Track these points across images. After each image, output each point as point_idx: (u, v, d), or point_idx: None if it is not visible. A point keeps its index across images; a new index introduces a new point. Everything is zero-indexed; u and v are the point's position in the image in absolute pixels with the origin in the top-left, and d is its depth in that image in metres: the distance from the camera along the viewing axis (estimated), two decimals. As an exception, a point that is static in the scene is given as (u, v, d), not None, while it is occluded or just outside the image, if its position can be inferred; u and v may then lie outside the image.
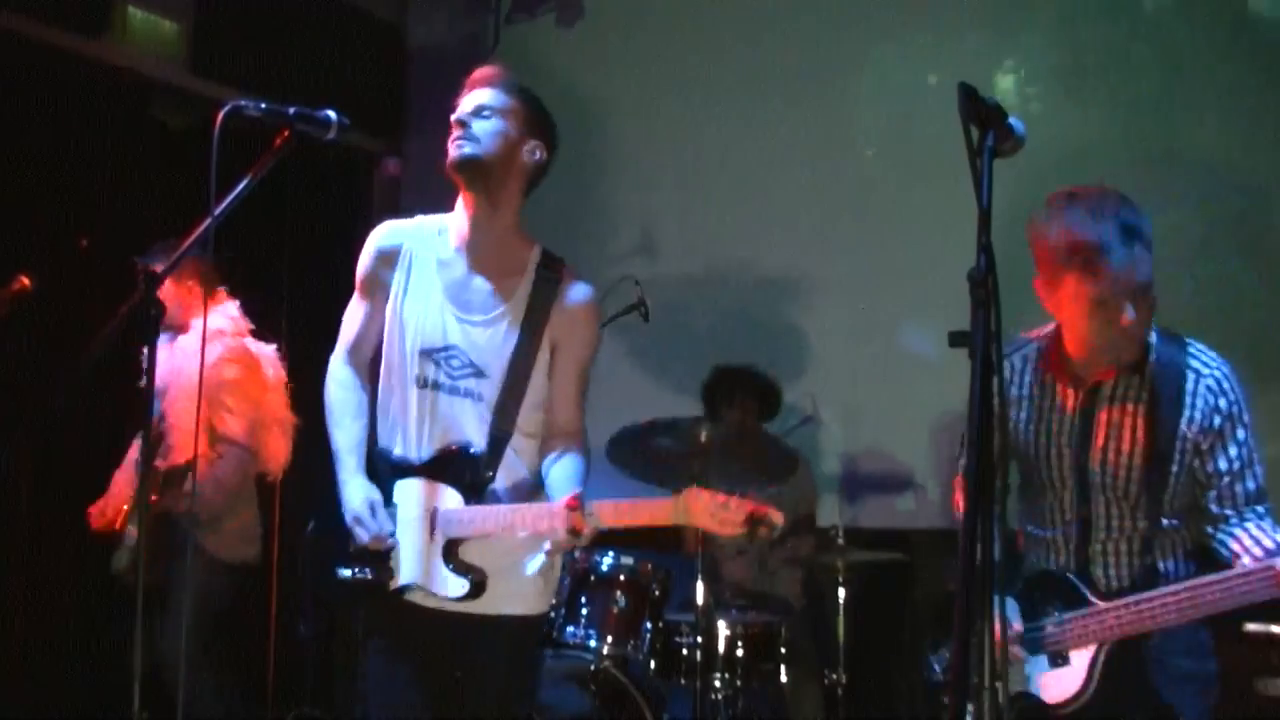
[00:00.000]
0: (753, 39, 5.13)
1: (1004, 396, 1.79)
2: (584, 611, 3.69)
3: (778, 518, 2.16)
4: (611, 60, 5.59)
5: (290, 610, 4.92)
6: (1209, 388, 2.27)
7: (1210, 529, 2.30)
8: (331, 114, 2.33)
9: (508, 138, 2.43)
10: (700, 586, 3.60)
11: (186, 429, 3.53)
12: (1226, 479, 2.27)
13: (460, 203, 2.50)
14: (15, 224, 4.33)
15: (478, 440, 2.39)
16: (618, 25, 5.60)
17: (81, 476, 4.02)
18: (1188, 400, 2.27)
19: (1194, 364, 2.30)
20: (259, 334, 3.94)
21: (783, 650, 3.81)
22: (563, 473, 2.42)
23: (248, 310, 4.00)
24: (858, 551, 3.92)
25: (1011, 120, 1.77)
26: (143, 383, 3.44)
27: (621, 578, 3.72)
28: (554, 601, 2.61)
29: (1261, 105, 4.08)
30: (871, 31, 4.86)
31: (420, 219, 2.56)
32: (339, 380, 2.57)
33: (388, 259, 2.51)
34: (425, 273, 2.47)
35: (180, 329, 3.80)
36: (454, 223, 2.51)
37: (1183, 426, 2.27)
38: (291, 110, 2.27)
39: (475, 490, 2.38)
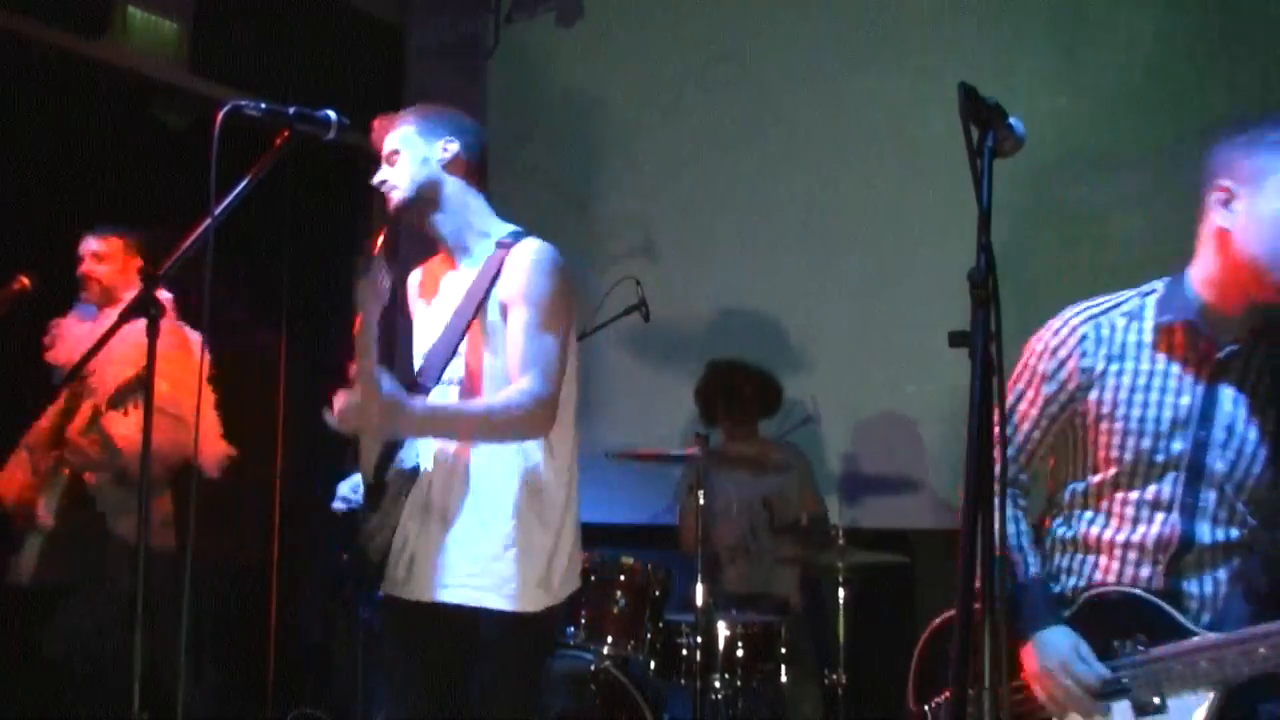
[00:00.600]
0: (753, 38, 5.13)
1: (1004, 397, 1.74)
2: (584, 611, 3.69)
3: None
4: (611, 60, 5.59)
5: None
6: None
7: None
8: (331, 114, 2.33)
9: (421, 158, 2.51)
10: (700, 586, 3.60)
11: (111, 392, 3.51)
12: None
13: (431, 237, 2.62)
14: (15, 224, 4.32)
15: None
16: (618, 25, 5.60)
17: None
18: None
19: None
20: (186, 320, 3.87)
21: (783, 650, 3.81)
22: None
23: (248, 310, 4.00)
24: (858, 552, 3.92)
25: (1011, 120, 1.77)
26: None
27: (621, 578, 3.72)
28: (553, 603, 2.49)
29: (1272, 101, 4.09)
30: (872, 31, 4.86)
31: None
32: None
33: (414, 297, 2.73)
34: (427, 292, 2.67)
35: (113, 302, 3.76)
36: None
37: None
38: (291, 110, 2.27)
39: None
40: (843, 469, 4.71)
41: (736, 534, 4.43)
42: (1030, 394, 2.15)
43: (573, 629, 3.67)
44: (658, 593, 3.73)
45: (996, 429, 1.63)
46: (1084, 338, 2.09)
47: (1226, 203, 1.95)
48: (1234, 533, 1.96)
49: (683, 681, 3.70)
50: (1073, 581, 2.09)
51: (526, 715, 2.47)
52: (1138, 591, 1.97)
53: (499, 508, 2.43)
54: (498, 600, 2.40)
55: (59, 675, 3.59)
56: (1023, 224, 4.05)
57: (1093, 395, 2.07)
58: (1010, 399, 2.14)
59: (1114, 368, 2.06)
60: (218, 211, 2.15)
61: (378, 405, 2.22)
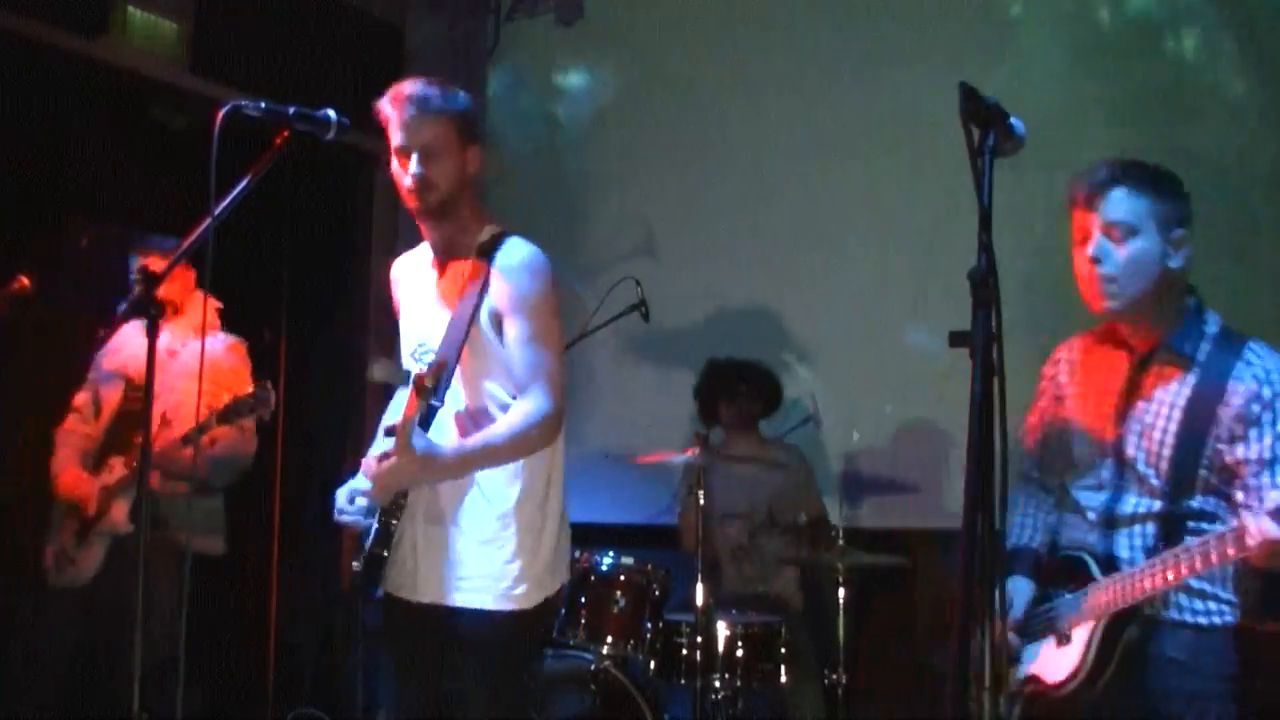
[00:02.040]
0: (753, 39, 5.13)
1: (1004, 396, 1.76)
2: (584, 611, 3.69)
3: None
4: (611, 60, 5.59)
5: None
6: (1256, 377, 2.20)
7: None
8: (331, 114, 2.33)
9: (459, 166, 2.47)
10: (700, 586, 3.60)
11: (187, 407, 3.50)
12: (1254, 468, 2.17)
13: (424, 231, 2.58)
14: (15, 224, 4.32)
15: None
16: (618, 25, 5.60)
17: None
18: (1230, 384, 2.20)
19: (1249, 355, 2.24)
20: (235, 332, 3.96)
21: (783, 650, 3.81)
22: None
23: (247, 309, 4.02)
24: (858, 552, 3.92)
25: (1012, 120, 1.77)
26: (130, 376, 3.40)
27: (621, 578, 3.72)
28: (544, 599, 2.51)
29: (1251, 105, 4.09)
30: (872, 31, 4.86)
31: (423, 244, 2.66)
32: (392, 402, 2.76)
33: (396, 291, 2.71)
34: (411, 288, 2.64)
35: (179, 311, 3.82)
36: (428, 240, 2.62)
37: (1220, 408, 2.20)
38: (291, 110, 2.27)
39: None
40: (843, 469, 4.71)
41: (737, 534, 4.43)
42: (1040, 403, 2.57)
43: (573, 629, 3.66)
44: (658, 593, 3.73)
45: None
46: (1058, 361, 2.53)
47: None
48: (1154, 504, 2.28)
49: (683, 681, 3.70)
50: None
51: (524, 708, 2.52)
52: (1073, 553, 2.40)
53: (495, 508, 2.46)
54: (497, 600, 2.42)
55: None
56: (1024, 225, 4.05)
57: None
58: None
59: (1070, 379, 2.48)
60: (218, 211, 2.15)
61: (413, 462, 2.26)
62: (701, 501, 3.73)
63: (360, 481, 2.53)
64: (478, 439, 2.39)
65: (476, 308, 2.43)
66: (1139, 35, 4.37)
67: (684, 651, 3.70)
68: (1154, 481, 2.27)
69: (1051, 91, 4.35)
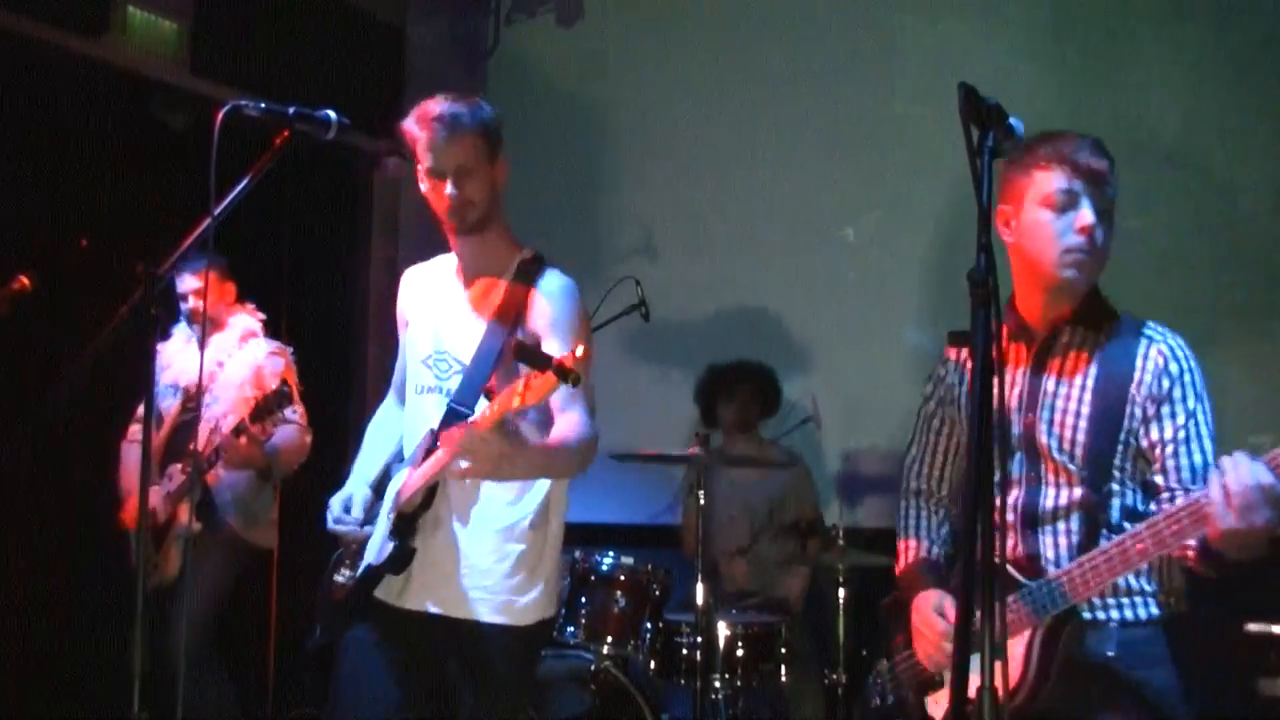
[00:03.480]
0: (753, 38, 5.13)
1: (1003, 394, 1.76)
2: (584, 611, 3.69)
3: (568, 360, 1.94)
4: (611, 60, 5.59)
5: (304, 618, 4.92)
6: (1160, 352, 2.13)
7: (1153, 507, 2.08)
8: (331, 114, 2.33)
9: (490, 183, 2.49)
10: (700, 586, 3.60)
11: (239, 413, 3.63)
12: (1170, 448, 2.09)
13: (452, 239, 2.56)
14: (15, 224, 4.32)
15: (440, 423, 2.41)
16: (618, 25, 5.60)
17: (84, 474, 4.05)
18: (1138, 363, 2.13)
19: (1148, 332, 2.18)
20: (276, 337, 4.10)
21: (783, 650, 3.81)
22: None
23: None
24: (857, 552, 3.91)
25: (1011, 120, 1.77)
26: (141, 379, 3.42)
27: (621, 578, 3.72)
28: (547, 616, 2.50)
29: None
30: (872, 30, 4.86)
31: (440, 257, 2.66)
32: (378, 414, 2.75)
33: (408, 297, 2.67)
34: (429, 296, 2.60)
35: (216, 325, 4.00)
36: (454, 252, 2.60)
37: (1131, 389, 2.12)
38: (291, 110, 2.26)
39: None
40: (843, 469, 4.71)
41: (738, 534, 4.43)
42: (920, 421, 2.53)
43: (573, 629, 3.67)
44: (658, 593, 3.74)
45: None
46: (941, 363, 2.49)
47: (1007, 222, 2.23)
48: (1074, 493, 2.16)
49: (683, 681, 3.70)
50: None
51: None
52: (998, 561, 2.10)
53: (500, 523, 2.43)
54: (503, 615, 2.40)
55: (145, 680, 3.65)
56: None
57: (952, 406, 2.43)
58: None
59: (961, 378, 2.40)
60: (217, 211, 2.15)
61: (505, 440, 2.05)
62: (701, 502, 3.73)
63: (357, 488, 2.50)
64: (549, 446, 2.30)
65: (515, 327, 2.42)
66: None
67: (684, 651, 3.70)
68: (1072, 468, 2.14)
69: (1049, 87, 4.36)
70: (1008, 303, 2.28)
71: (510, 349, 2.05)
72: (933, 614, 2.23)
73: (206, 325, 3.90)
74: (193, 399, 3.82)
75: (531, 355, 1.93)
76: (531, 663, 2.58)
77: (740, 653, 3.73)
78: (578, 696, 3.76)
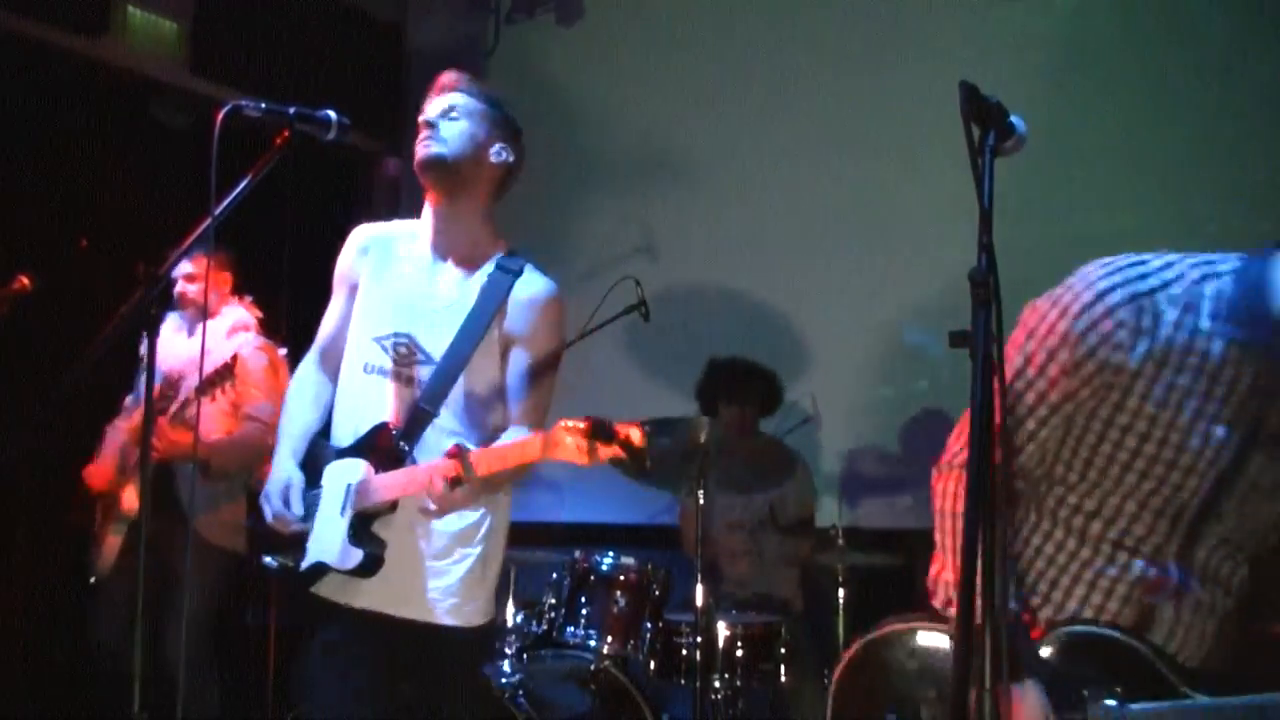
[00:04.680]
0: (753, 38, 5.13)
1: (1005, 396, 1.71)
2: (584, 611, 3.69)
3: (638, 439, 1.98)
4: (611, 60, 5.59)
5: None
6: None
7: None
8: (331, 114, 2.32)
9: (475, 139, 2.43)
10: (700, 586, 3.60)
11: (207, 405, 3.61)
12: None
13: (427, 204, 2.51)
14: (15, 224, 4.32)
15: (402, 420, 2.37)
16: (618, 25, 5.60)
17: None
18: None
19: None
20: (272, 337, 4.05)
21: (783, 650, 3.81)
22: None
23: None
24: (857, 552, 3.91)
25: (1013, 119, 1.76)
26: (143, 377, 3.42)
27: (621, 578, 3.72)
28: (485, 621, 2.47)
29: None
30: (873, 30, 4.86)
31: (398, 222, 2.59)
32: (300, 375, 2.61)
33: (359, 257, 2.55)
34: (390, 267, 2.50)
35: (210, 314, 3.95)
36: (424, 224, 2.52)
37: None
38: (291, 110, 2.26)
39: (390, 465, 2.33)
40: (843, 469, 4.70)
41: (738, 533, 4.43)
42: (1040, 385, 1.80)
43: (573, 629, 3.66)
44: (658, 593, 3.73)
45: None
46: (1120, 324, 1.70)
47: None
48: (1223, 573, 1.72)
49: (683, 681, 3.69)
50: (1043, 607, 1.85)
51: None
52: (1115, 634, 1.68)
53: (460, 525, 2.40)
54: (454, 617, 2.38)
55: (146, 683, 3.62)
56: (1024, 222, 4.05)
57: (1114, 398, 1.72)
58: (1014, 381, 1.82)
59: (1151, 372, 1.69)
60: (218, 211, 2.15)
61: (465, 499, 2.22)
62: (701, 501, 3.73)
63: (292, 473, 2.39)
64: (498, 467, 2.24)
65: (488, 326, 2.38)
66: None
67: (684, 651, 3.69)
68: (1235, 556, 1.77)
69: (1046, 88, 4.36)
70: (1263, 293, 1.60)
71: (591, 429, 2.03)
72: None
73: (205, 315, 3.88)
74: (173, 386, 3.71)
75: (605, 433, 1.97)
76: (479, 665, 2.57)
77: (740, 653, 3.72)
78: (578, 696, 3.75)
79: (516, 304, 2.41)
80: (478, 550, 2.42)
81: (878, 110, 4.80)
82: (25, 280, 3.78)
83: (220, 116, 2.14)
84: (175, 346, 3.87)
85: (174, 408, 3.62)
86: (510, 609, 3.75)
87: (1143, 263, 1.75)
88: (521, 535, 4.25)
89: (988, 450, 1.58)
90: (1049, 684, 1.65)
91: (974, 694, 1.45)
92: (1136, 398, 1.70)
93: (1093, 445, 1.79)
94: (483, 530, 2.45)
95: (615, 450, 1.98)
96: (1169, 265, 1.72)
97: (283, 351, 3.99)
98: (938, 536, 2.10)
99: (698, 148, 5.22)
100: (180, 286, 3.93)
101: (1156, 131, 4.19)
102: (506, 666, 3.58)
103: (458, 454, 2.16)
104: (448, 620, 2.38)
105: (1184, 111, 4.19)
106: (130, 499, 3.68)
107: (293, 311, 5.00)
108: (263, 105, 2.24)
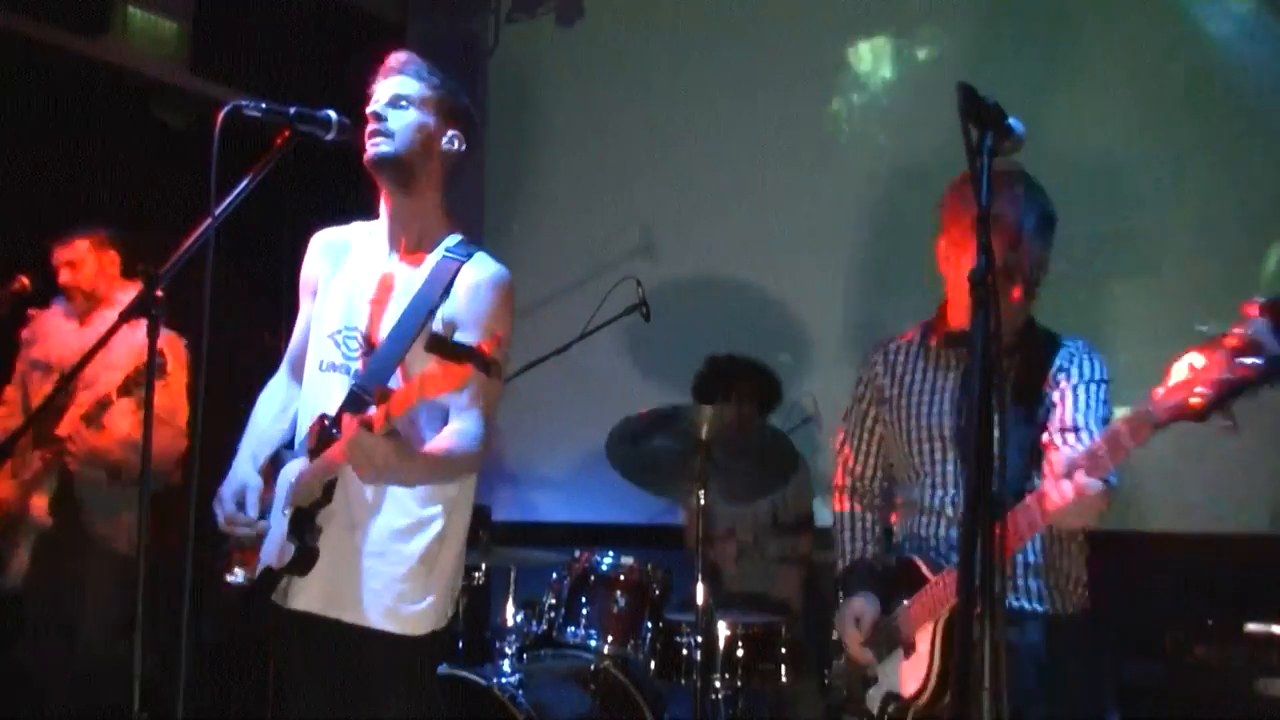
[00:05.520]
0: (753, 39, 5.13)
1: (1004, 396, 1.77)
2: (584, 611, 3.68)
3: (489, 349, 1.87)
4: (611, 60, 5.59)
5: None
6: (1071, 355, 2.39)
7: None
8: (332, 114, 2.33)
9: (425, 130, 2.37)
10: (700, 586, 3.60)
11: (122, 401, 3.46)
12: (1058, 439, 2.29)
13: (382, 200, 2.46)
14: (15, 224, 4.32)
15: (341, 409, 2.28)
16: (618, 25, 5.60)
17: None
18: (1051, 370, 2.37)
19: (1065, 345, 2.43)
20: (171, 323, 3.89)
21: (783, 650, 3.80)
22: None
23: (247, 309, 4.01)
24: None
25: (1011, 120, 1.77)
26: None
27: (621, 578, 3.72)
28: (438, 627, 2.36)
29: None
30: (873, 31, 4.86)
31: (357, 223, 2.55)
32: (271, 384, 2.58)
33: (318, 262, 2.52)
34: (344, 267, 2.46)
35: (98, 302, 3.76)
36: (380, 219, 2.48)
37: (1045, 389, 2.34)
38: (291, 110, 2.26)
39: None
40: (843, 469, 4.70)
41: (739, 533, 4.43)
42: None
43: (573, 629, 3.66)
44: (658, 593, 3.73)
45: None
46: (869, 365, 2.69)
47: (945, 258, 2.50)
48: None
49: (683, 681, 3.69)
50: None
51: None
52: (910, 556, 2.43)
53: (403, 523, 2.31)
54: (390, 622, 2.27)
55: (35, 681, 3.58)
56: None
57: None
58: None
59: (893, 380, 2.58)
60: (218, 211, 2.15)
61: (389, 450, 2.04)
62: (702, 501, 3.73)
63: (249, 477, 2.32)
64: (435, 449, 2.21)
65: (432, 310, 2.29)
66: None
67: (684, 651, 3.69)
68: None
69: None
70: (938, 317, 2.53)
71: (427, 342, 1.93)
72: (850, 625, 2.47)
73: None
74: (66, 379, 3.49)
75: (446, 348, 1.86)
76: (422, 674, 2.38)
77: (740, 653, 3.72)
78: (578, 696, 3.76)
79: (462, 288, 2.32)
80: (420, 549, 2.30)
81: (878, 110, 4.80)
82: (25, 280, 3.78)
83: (220, 116, 2.13)
84: (65, 338, 3.70)
85: (90, 408, 3.45)
86: (510, 609, 3.75)
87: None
88: (521, 535, 4.29)
89: (988, 449, 1.59)
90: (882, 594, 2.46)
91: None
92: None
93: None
94: (431, 531, 2.32)
95: (468, 367, 1.86)
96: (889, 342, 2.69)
97: (182, 341, 3.77)
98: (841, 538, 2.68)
99: (699, 147, 5.21)
100: (64, 277, 3.73)
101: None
102: (506, 666, 3.58)
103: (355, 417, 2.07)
104: (383, 625, 2.26)
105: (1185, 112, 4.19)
106: (39, 508, 3.56)
107: (292, 310, 5.01)
108: (263, 105, 2.24)
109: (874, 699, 2.43)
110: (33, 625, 3.61)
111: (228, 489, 2.33)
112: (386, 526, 2.30)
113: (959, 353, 2.45)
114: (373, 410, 2.04)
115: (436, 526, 2.34)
